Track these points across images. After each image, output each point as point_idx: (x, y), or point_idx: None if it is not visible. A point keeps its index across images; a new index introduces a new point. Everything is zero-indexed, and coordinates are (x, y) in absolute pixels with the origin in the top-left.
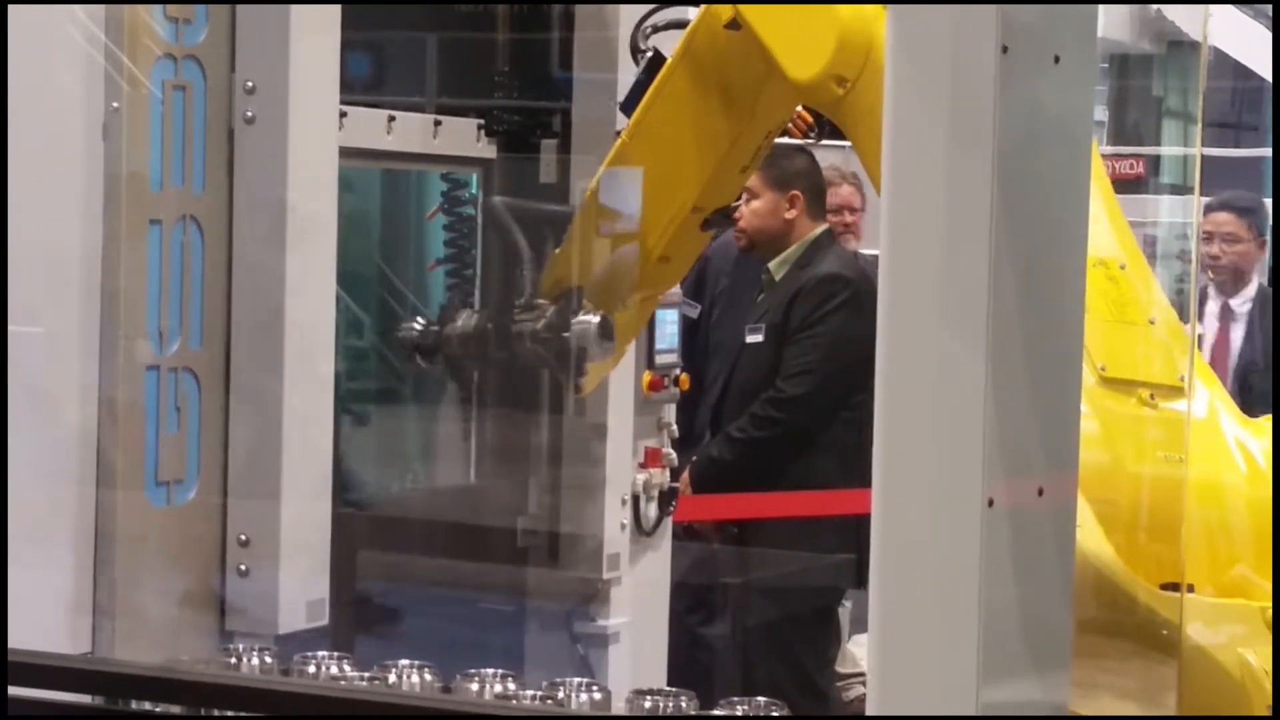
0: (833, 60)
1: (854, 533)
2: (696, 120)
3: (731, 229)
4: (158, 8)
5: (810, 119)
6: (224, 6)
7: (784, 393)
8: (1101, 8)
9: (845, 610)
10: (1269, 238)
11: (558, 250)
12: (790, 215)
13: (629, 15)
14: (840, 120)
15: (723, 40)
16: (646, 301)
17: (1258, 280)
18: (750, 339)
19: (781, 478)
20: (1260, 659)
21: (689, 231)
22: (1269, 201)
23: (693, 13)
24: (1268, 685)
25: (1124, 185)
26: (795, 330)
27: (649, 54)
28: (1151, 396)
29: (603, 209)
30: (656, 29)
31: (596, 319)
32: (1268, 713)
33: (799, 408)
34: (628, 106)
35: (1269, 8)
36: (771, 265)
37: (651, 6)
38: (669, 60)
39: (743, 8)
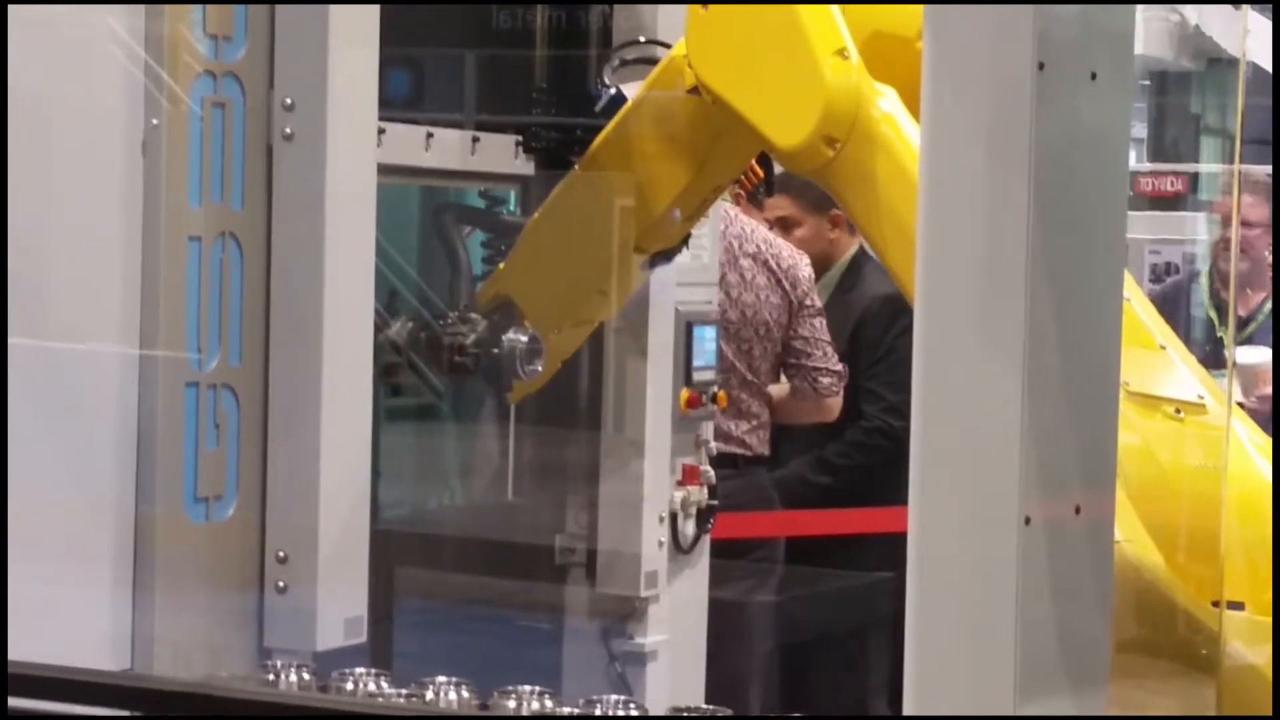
0: (821, 123)
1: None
2: (646, 167)
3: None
4: (198, 25)
5: (761, 174)
6: (264, 26)
7: (885, 423)
8: (1140, 26)
9: None
10: None
11: (500, 267)
12: (834, 235)
13: (667, 33)
14: (830, 184)
15: (683, 99)
16: (581, 327)
17: None
18: None
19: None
20: None
21: (628, 269)
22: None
23: (663, 53)
24: None
25: (1164, 202)
26: (872, 360)
27: (611, 91)
28: (1177, 411)
29: (547, 237)
30: (625, 63)
31: (526, 339)
32: None
33: (898, 438)
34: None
35: None
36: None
37: (628, 40)
38: (627, 104)
39: (716, 84)
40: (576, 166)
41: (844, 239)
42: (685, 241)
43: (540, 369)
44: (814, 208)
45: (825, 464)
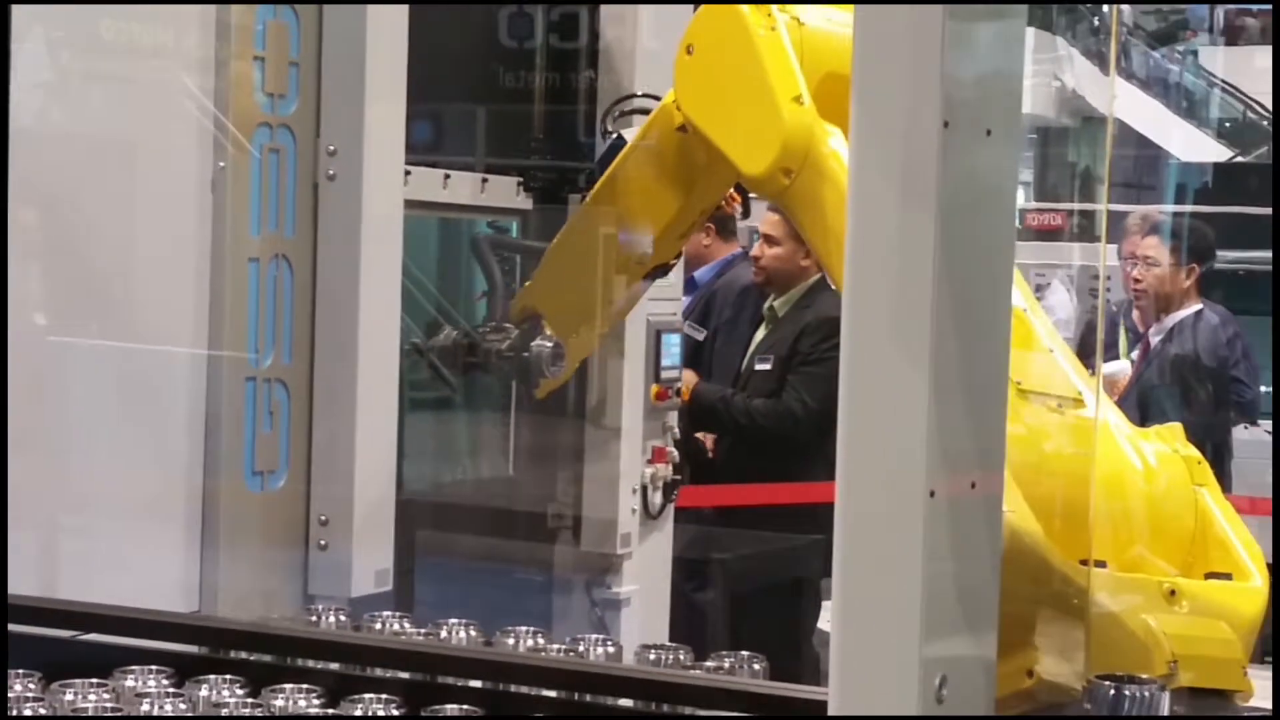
0: (779, 157)
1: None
2: (646, 195)
3: (742, 266)
4: (258, 85)
5: (740, 198)
6: (312, 85)
7: (790, 407)
8: (1027, 90)
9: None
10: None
11: (527, 284)
12: (805, 263)
13: (643, 88)
14: (785, 205)
15: (673, 137)
16: (595, 331)
17: (1188, 311)
18: (760, 367)
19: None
20: (1160, 624)
21: (632, 282)
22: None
23: (655, 105)
24: (1167, 646)
25: (1046, 234)
26: (800, 363)
27: (614, 136)
28: (1059, 405)
29: (564, 259)
30: (624, 113)
31: (550, 344)
32: (1167, 669)
33: (802, 423)
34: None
35: (1157, 85)
36: (776, 304)
37: (626, 95)
38: (628, 145)
39: (698, 119)
40: (589, 197)
41: (812, 267)
42: (677, 258)
43: (563, 368)
44: (794, 235)
45: (746, 411)
